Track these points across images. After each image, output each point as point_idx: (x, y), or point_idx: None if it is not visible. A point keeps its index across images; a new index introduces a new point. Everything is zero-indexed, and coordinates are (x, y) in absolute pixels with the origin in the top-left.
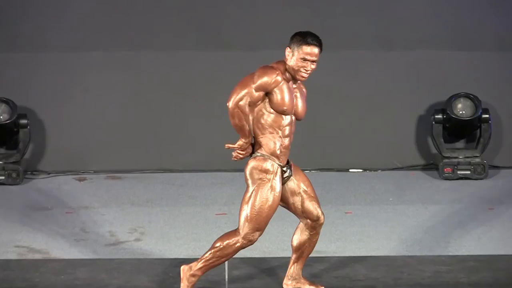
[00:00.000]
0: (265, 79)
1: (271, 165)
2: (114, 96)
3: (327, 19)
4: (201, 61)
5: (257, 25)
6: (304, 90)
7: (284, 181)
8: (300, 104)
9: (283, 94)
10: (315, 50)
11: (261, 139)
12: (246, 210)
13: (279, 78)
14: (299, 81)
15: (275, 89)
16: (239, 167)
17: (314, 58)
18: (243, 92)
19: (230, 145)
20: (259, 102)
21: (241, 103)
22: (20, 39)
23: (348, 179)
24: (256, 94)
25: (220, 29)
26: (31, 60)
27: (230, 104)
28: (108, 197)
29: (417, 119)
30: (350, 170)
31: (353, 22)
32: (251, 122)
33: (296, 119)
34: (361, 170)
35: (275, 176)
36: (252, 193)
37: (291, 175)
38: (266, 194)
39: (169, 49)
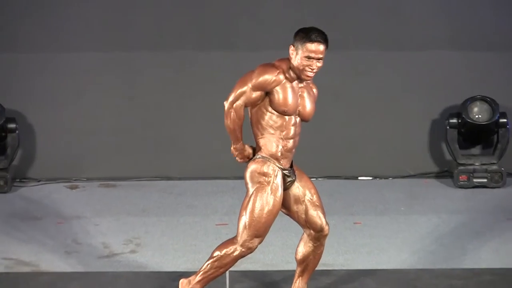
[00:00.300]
0: (264, 78)
1: (271, 167)
2: (108, 99)
3: (335, 18)
4: (200, 64)
5: (259, 24)
6: (314, 90)
7: (287, 186)
8: (307, 105)
9: (285, 94)
10: (320, 47)
11: (260, 140)
12: (244, 216)
13: (280, 76)
14: (307, 81)
15: (276, 88)
16: (240, 174)
17: (320, 56)
18: (240, 91)
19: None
20: (259, 101)
21: (237, 103)
22: (9, 39)
23: (357, 187)
24: (254, 94)
25: (221, 30)
26: (20, 61)
27: (227, 104)
28: (101, 206)
29: (431, 124)
30: (359, 178)
31: (363, 22)
32: (251, 121)
33: (303, 120)
34: (371, 178)
35: (275, 179)
36: (250, 197)
37: (294, 180)
38: (266, 198)
39: (167, 51)
